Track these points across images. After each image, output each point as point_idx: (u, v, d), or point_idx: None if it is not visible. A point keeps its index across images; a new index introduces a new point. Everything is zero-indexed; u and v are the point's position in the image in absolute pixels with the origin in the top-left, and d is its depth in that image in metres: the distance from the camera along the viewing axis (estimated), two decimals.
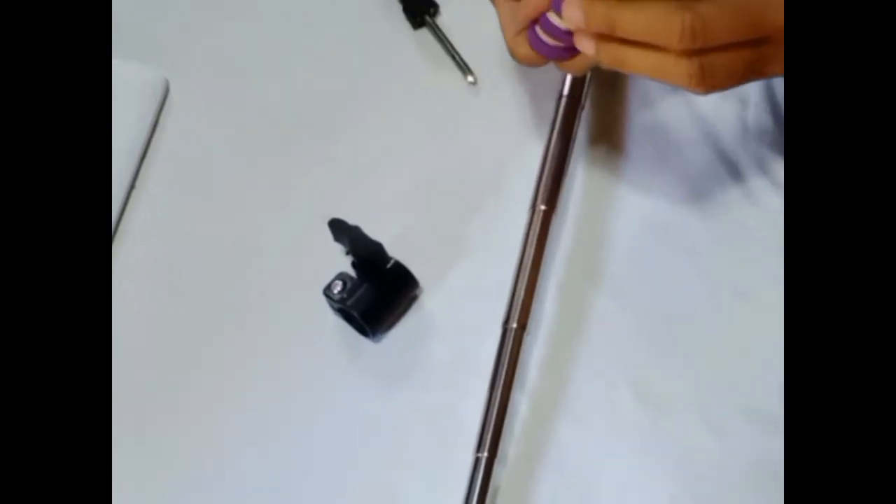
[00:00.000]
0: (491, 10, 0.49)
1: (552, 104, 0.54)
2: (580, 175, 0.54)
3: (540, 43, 0.46)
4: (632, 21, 0.41)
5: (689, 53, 0.40)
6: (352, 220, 0.50)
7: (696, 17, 0.39)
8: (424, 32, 0.60)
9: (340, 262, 0.52)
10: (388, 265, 0.51)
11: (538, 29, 0.46)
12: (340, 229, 0.51)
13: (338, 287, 0.51)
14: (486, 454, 0.45)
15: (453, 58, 0.59)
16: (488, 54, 0.58)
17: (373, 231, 0.50)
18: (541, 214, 0.50)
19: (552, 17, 0.45)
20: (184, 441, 0.50)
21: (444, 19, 0.60)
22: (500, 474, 0.46)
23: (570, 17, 0.43)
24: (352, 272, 0.51)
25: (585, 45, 0.43)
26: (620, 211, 0.53)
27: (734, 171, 0.53)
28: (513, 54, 0.48)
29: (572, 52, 0.46)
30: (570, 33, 0.44)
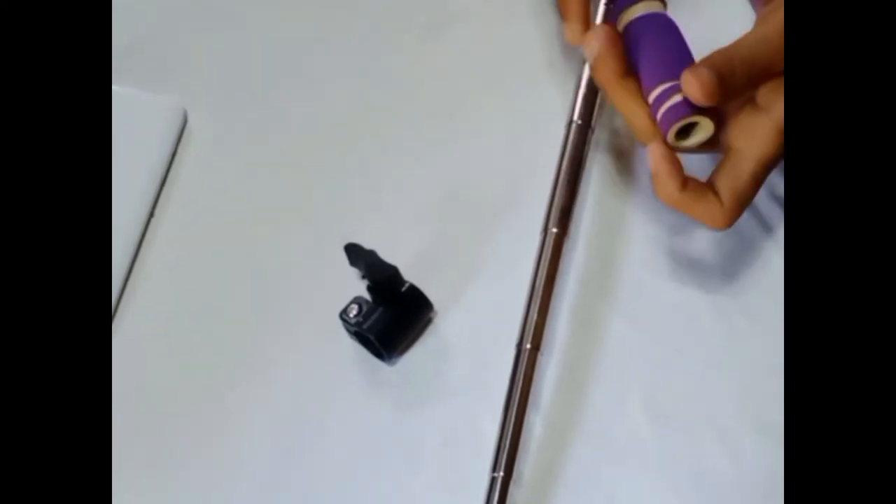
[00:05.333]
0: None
1: (563, 127, 0.55)
2: (591, 197, 0.55)
3: (671, 110, 0.46)
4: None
5: None
6: (367, 244, 0.51)
7: None
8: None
9: (356, 285, 0.53)
10: (404, 289, 0.52)
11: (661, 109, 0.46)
12: (356, 254, 0.51)
13: (354, 311, 0.51)
14: (501, 474, 0.46)
15: None
16: (501, 72, 0.60)
17: (387, 254, 0.51)
18: (553, 237, 0.51)
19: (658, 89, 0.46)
20: (197, 461, 0.51)
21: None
22: (517, 494, 0.47)
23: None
24: (367, 296, 0.52)
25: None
26: (631, 233, 0.54)
27: None
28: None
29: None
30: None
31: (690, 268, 0.52)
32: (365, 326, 0.51)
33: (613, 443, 0.48)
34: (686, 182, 0.45)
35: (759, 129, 0.44)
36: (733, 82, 0.44)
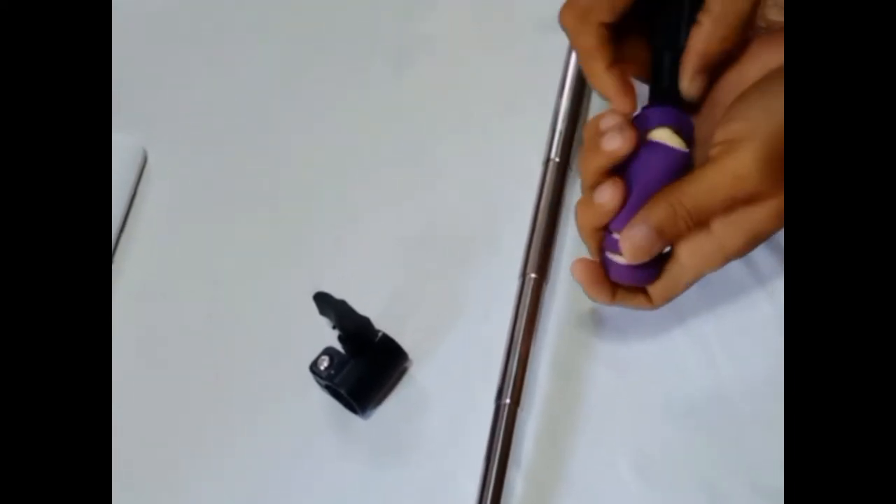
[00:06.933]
0: None
1: (537, 164, 0.53)
2: (570, 237, 0.53)
3: (614, 267, 0.45)
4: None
5: None
6: (337, 292, 0.49)
7: None
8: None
9: (326, 335, 0.50)
10: (377, 339, 0.49)
11: (608, 254, 0.45)
12: (326, 303, 0.49)
13: (324, 363, 0.49)
14: None
15: None
16: (471, 108, 0.58)
17: (359, 302, 0.49)
18: (531, 283, 0.49)
19: (615, 234, 0.44)
20: None
21: None
22: None
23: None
24: (338, 346, 0.49)
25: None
26: None
27: None
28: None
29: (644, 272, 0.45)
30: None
31: (675, 312, 0.50)
32: (336, 380, 0.48)
33: (599, 501, 0.46)
34: (615, 290, 0.46)
35: (707, 250, 0.44)
36: (674, 233, 0.44)
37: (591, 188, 0.45)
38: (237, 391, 0.52)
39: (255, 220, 0.56)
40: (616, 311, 0.50)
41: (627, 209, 0.44)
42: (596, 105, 0.57)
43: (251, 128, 0.59)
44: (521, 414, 0.46)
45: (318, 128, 0.58)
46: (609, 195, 0.44)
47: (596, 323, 0.51)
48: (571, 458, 0.47)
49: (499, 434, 0.45)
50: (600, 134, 0.44)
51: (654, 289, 0.46)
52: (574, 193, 0.54)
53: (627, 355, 0.49)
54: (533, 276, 0.49)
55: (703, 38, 0.44)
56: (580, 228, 0.46)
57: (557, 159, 0.52)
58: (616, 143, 0.43)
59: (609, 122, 0.44)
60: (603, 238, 0.45)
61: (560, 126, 0.53)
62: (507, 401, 0.46)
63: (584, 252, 0.52)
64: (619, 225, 0.44)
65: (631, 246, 0.43)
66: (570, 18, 0.45)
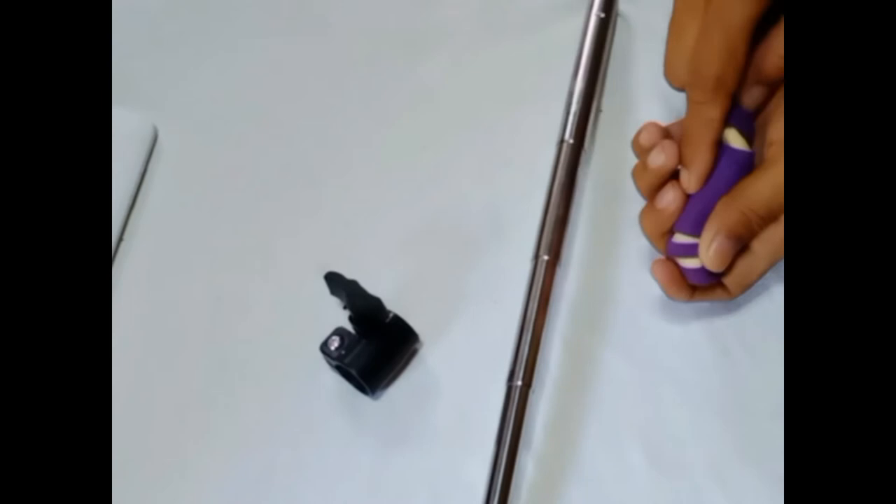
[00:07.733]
0: None
1: (553, 148, 0.52)
2: (583, 221, 0.53)
3: (688, 273, 0.47)
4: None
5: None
6: (348, 272, 0.49)
7: None
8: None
9: (337, 315, 0.50)
10: (388, 319, 0.49)
11: (678, 260, 0.47)
12: (337, 283, 0.49)
13: (335, 343, 0.49)
14: None
15: None
16: (484, 95, 0.57)
17: (370, 283, 0.48)
18: (544, 265, 0.49)
19: (678, 238, 0.46)
20: (173, 498, 0.49)
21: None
22: None
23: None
24: (349, 326, 0.49)
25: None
26: (625, 258, 0.51)
27: None
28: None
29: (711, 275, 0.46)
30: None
31: None
32: (347, 360, 0.48)
33: (610, 486, 0.46)
34: (693, 289, 0.48)
35: (777, 238, 0.45)
36: (749, 236, 0.45)
37: (651, 198, 0.47)
38: (247, 370, 0.51)
39: (266, 199, 0.56)
40: (628, 296, 0.50)
41: (695, 210, 0.45)
42: (610, 87, 0.56)
43: (263, 109, 0.58)
44: (532, 397, 0.46)
45: (333, 112, 0.58)
46: (671, 198, 0.46)
47: (608, 307, 0.50)
48: (581, 441, 0.47)
49: (510, 416, 0.45)
50: (644, 151, 0.47)
51: (730, 280, 0.47)
52: (587, 175, 0.54)
53: (640, 341, 0.49)
54: (546, 258, 0.49)
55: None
56: (648, 235, 0.48)
57: (571, 141, 0.52)
58: (660, 160, 0.46)
59: (649, 138, 0.47)
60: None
61: (574, 107, 0.53)
62: (519, 383, 0.46)
63: (596, 234, 0.52)
64: (684, 226, 0.46)
65: (712, 257, 0.45)
66: (700, 92, 0.45)
